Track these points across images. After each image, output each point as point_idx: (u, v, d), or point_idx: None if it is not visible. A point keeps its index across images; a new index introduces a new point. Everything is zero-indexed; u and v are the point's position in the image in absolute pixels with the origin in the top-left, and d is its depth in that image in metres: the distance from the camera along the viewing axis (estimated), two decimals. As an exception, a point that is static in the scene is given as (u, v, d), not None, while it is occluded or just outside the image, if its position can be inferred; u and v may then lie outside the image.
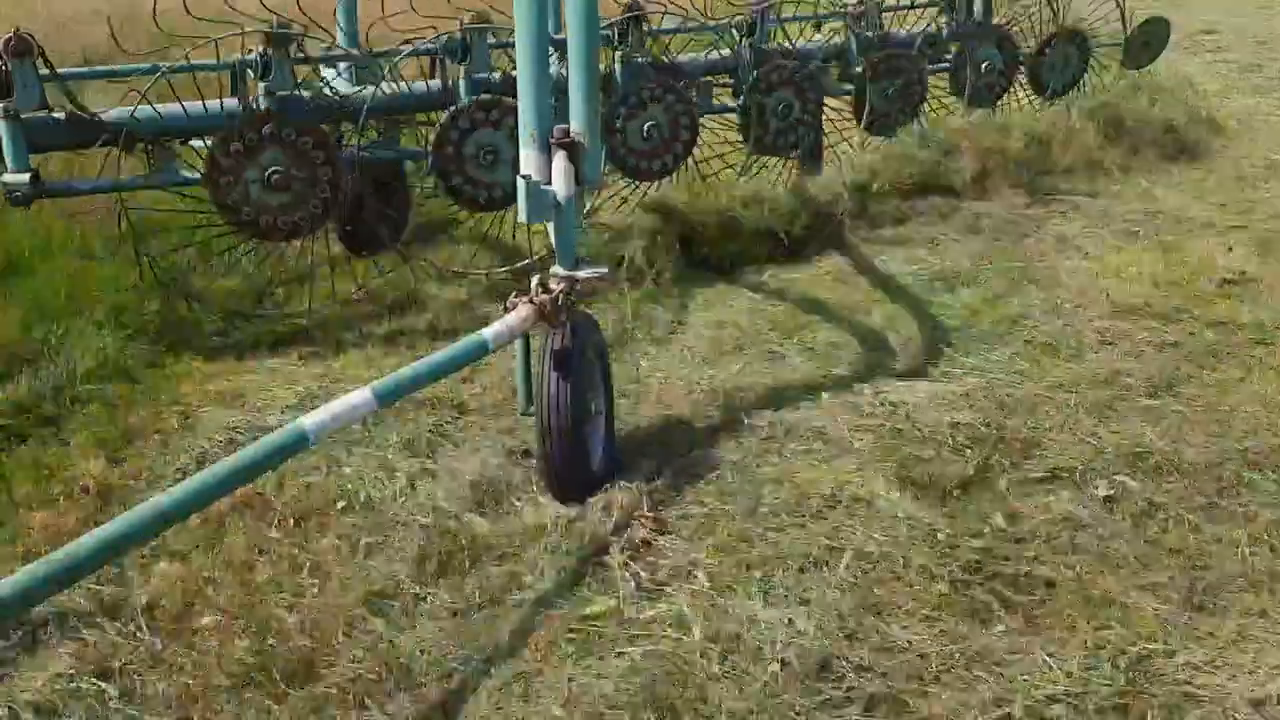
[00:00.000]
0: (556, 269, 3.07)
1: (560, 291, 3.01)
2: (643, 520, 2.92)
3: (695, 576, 2.69)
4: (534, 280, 3.04)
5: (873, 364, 3.90)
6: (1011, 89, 6.45)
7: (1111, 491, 3.05)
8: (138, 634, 2.54)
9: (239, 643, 2.51)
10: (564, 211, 3.04)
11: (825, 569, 2.72)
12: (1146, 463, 3.18)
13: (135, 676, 2.41)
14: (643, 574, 2.71)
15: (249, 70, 4.38)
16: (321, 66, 4.89)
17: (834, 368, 3.88)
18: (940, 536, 2.85)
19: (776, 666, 2.35)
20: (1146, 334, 4.11)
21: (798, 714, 2.23)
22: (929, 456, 3.24)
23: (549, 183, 3.04)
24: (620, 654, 2.43)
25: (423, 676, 2.42)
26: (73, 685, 2.35)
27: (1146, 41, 6.90)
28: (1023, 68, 6.46)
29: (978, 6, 6.18)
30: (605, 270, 3.14)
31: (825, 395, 3.66)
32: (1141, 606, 2.57)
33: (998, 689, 2.31)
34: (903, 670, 2.37)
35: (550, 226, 3.11)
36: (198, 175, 4.15)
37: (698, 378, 3.84)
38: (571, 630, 2.53)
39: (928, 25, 6.05)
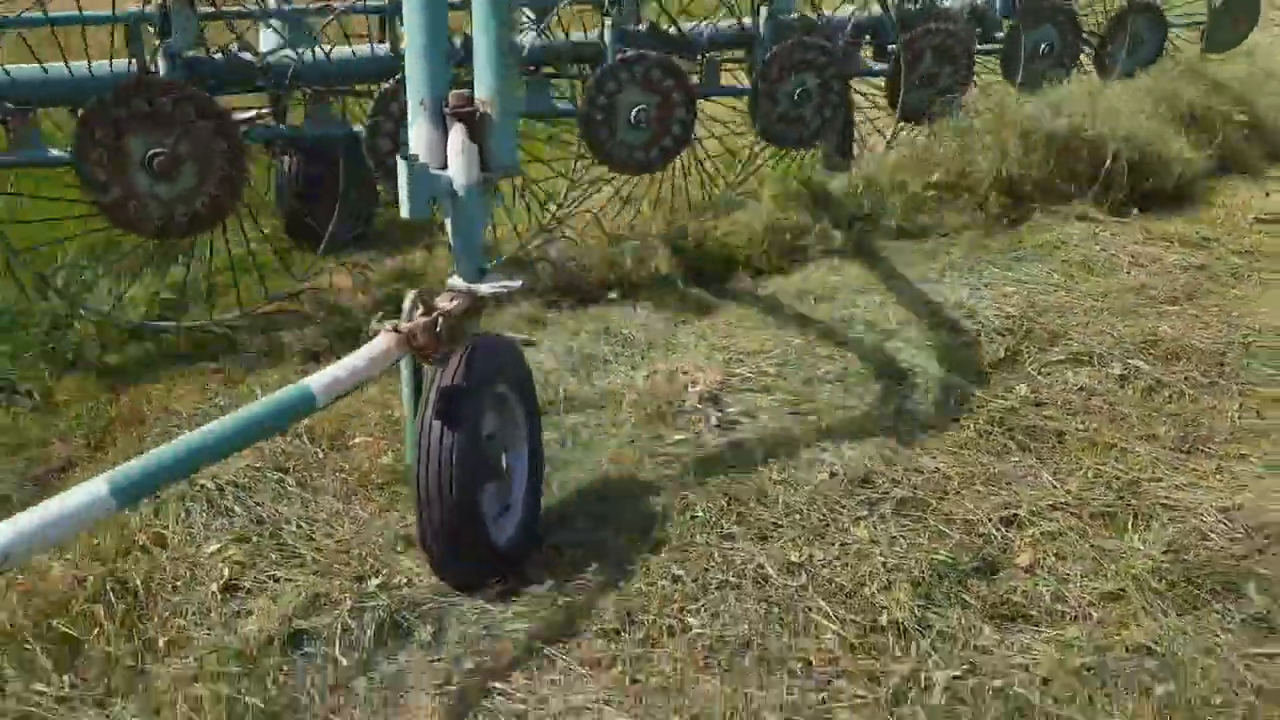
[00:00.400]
0: (454, 281, 2.46)
1: (444, 312, 2.31)
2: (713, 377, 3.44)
3: (757, 419, 3.20)
4: (409, 297, 2.32)
5: (921, 274, 4.35)
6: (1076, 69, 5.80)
7: (1124, 371, 3.50)
8: (303, 446, 3.12)
9: (385, 457, 3.08)
10: (463, 204, 2.39)
11: (868, 419, 3.22)
12: (1158, 349, 3.62)
13: (305, 473, 2.99)
14: (713, 417, 3.23)
15: (147, 25, 3.67)
16: (260, 24, 4.29)
17: (887, 276, 4.35)
18: (970, 399, 3.33)
19: (825, 475, 2.87)
20: (1177, 258, 4.53)
21: (842, 507, 2.75)
22: (966, 342, 3.71)
23: (443, 166, 2.43)
24: (694, 467, 2.96)
25: (534, 481, 2.97)
26: (259, 474, 2.94)
27: (1235, 18, 6.17)
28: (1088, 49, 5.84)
29: None
30: (518, 284, 2.48)
31: (878, 296, 4.14)
32: (1138, 451, 3.04)
33: (1008, 499, 2.80)
34: (929, 484, 2.87)
35: (447, 223, 2.49)
36: (66, 154, 3.53)
37: (763, 286, 4.33)
38: (653, 455, 3.06)
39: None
